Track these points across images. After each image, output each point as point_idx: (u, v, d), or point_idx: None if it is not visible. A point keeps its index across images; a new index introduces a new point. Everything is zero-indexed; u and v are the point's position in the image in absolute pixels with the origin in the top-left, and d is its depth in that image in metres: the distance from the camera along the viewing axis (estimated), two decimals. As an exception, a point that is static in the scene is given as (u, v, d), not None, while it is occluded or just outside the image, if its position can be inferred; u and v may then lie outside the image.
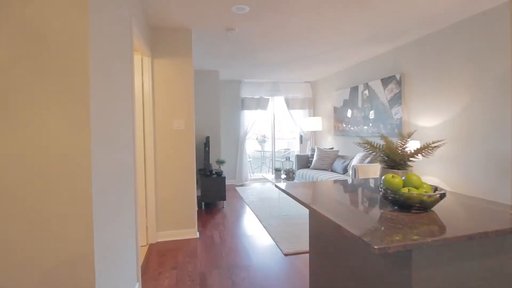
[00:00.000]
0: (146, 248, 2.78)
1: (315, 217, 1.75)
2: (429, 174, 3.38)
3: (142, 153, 2.81)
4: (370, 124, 4.44)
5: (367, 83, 4.50)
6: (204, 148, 4.27)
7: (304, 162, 5.42)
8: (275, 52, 4.03)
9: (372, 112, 4.39)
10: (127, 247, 1.76)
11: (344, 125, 5.19)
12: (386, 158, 1.34)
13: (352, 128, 4.95)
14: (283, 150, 7.69)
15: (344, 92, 5.17)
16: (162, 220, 2.98)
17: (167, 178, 2.98)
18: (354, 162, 4.05)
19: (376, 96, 4.29)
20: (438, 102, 3.27)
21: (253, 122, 6.10)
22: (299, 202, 1.37)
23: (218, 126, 5.23)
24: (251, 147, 8.36)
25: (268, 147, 7.74)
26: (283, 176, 4.15)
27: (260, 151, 7.69)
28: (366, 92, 4.52)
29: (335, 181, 1.82)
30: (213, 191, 4.19)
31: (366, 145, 1.41)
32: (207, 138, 4.22)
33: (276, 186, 1.69)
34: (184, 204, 3.04)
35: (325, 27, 3.09)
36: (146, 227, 2.87)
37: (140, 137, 2.80)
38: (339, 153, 5.29)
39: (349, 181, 1.83)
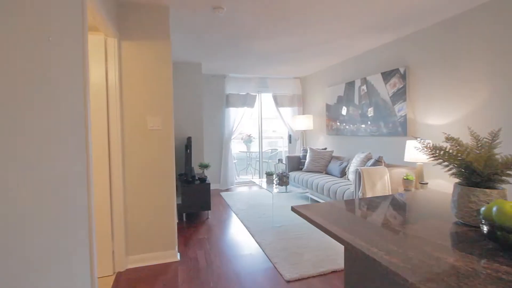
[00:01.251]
0: (111, 279, 2.20)
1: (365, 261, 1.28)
2: (436, 177, 3.04)
3: (106, 159, 2.23)
4: (369, 122, 4.07)
5: (365, 78, 4.13)
6: (185, 150, 3.71)
7: (296, 164, 4.99)
8: (267, 41, 3.55)
9: (371, 109, 4.03)
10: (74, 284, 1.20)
11: (338, 124, 4.81)
12: (466, 171, 0.89)
13: (347, 127, 4.57)
14: (270, 151, 7.24)
15: (338, 88, 4.79)
16: (133, 241, 2.41)
17: (140, 189, 2.42)
18: (354, 164, 3.66)
19: (375, 92, 3.92)
20: (449, 98, 2.93)
21: (239, 120, 5.59)
22: (340, 242, 0.89)
23: (201, 126, 4.67)
24: (236, 147, 7.85)
25: (254, 147, 7.26)
26: (276, 181, 3.68)
27: (246, 152, 7.19)
28: (364, 87, 4.15)
29: (371, 200, 1.37)
30: (196, 200, 3.64)
31: (434, 151, 0.95)
32: (189, 139, 3.67)
33: (296, 211, 1.20)
34: (161, 219, 2.48)
35: (324, 10, 2.65)
36: (113, 251, 2.29)
37: (103, 139, 2.21)
38: (334, 154, 4.91)
39: (394, 199, 1.38)
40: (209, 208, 3.69)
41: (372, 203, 1.32)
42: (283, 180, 3.64)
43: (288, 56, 4.37)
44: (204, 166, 3.73)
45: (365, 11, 2.72)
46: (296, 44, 3.74)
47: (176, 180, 4.20)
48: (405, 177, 2.89)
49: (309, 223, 3.28)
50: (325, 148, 4.85)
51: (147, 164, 2.43)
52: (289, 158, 4.98)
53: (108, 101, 2.25)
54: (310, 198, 4.00)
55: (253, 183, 6.11)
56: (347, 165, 4.02)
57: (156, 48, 2.43)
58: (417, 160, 2.83)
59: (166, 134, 2.49)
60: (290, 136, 6.28)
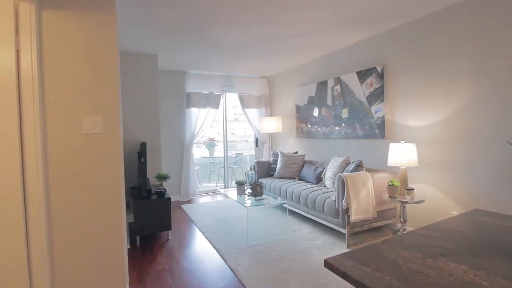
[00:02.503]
0: None
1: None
2: (420, 181, 2.89)
3: (17, 182, 1.55)
4: (343, 125, 3.85)
5: (338, 77, 3.91)
6: (138, 159, 3.07)
7: (266, 169, 4.60)
8: (232, 30, 3.10)
9: (345, 110, 3.81)
10: None
11: (310, 126, 4.54)
12: None
13: (319, 129, 4.32)
14: (235, 155, 6.76)
15: (309, 88, 4.53)
16: (63, 282, 1.75)
17: (71, 216, 1.77)
18: (332, 169, 3.37)
19: (350, 92, 3.72)
20: (430, 98, 2.79)
21: (202, 122, 5.02)
22: None
23: (158, 129, 4.02)
24: (197, 153, 7.22)
25: (218, 152, 6.72)
26: (248, 191, 3.23)
27: (209, 157, 6.61)
28: (338, 87, 3.93)
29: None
30: (152, 219, 3.01)
31: None
32: (143, 145, 3.03)
33: (338, 271, 0.76)
34: (103, 249, 1.86)
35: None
36: (30, 308, 1.61)
37: (9, 152, 1.53)
38: (306, 158, 4.63)
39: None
40: (169, 228, 3.08)
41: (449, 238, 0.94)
42: (256, 190, 3.20)
43: (256, 51, 3.96)
44: (163, 178, 3.12)
45: (342, 1, 2.43)
46: (267, 36, 3.35)
47: (127, 195, 3.49)
48: (390, 183, 2.66)
49: (288, 238, 2.89)
50: (296, 152, 4.55)
51: (83, 181, 1.80)
52: (258, 164, 4.57)
53: (20, 96, 1.58)
54: (288, 209, 3.63)
55: (218, 192, 5.56)
56: (323, 170, 3.74)
57: (95, 22, 1.81)
58: (402, 164, 2.61)
59: (110, 139, 1.88)
60: (256, 139, 5.89)
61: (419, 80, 2.89)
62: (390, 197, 2.65)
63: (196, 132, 4.97)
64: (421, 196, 2.64)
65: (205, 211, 4.15)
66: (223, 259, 2.55)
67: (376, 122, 3.35)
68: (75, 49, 1.77)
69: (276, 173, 4.33)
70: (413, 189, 2.59)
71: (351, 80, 3.68)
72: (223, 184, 5.75)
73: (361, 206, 2.73)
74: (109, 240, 1.87)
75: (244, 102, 5.46)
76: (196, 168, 6.14)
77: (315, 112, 4.41)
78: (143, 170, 2.99)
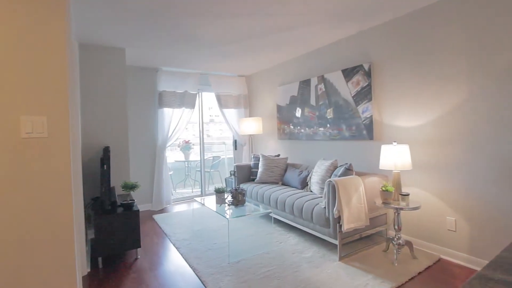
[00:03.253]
0: None
1: None
2: (411, 185, 2.74)
3: None
4: (328, 125, 3.66)
5: (322, 76, 3.71)
6: (100, 165, 2.62)
7: (246, 174, 4.29)
8: (210, 23, 2.77)
9: (330, 110, 3.62)
10: None
11: (292, 127, 4.32)
12: None
13: (302, 131, 4.10)
14: (212, 158, 6.38)
15: (290, 87, 4.30)
16: None
17: (5, 237, 1.35)
18: (318, 173, 3.15)
19: (335, 91, 3.53)
20: (422, 97, 2.65)
21: (176, 123, 4.61)
22: None
23: (125, 131, 3.57)
24: (171, 156, 6.75)
25: (193, 155, 6.30)
26: (229, 200, 2.92)
27: (184, 161, 6.17)
28: (322, 86, 3.73)
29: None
30: (118, 236, 2.59)
31: None
32: (106, 150, 2.60)
33: None
34: (47, 279, 1.45)
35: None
36: None
37: None
38: (289, 161, 4.39)
39: None
40: (138, 245, 2.68)
41: None
42: (238, 199, 2.89)
43: (235, 48, 3.66)
44: (130, 187, 2.71)
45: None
46: (247, 30, 3.06)
47: (88, 208, 3.02)
48: (383, 188, 2.47)
49: (275, 252, 2.59)
50: (278, 155, 4.30)
51: (21, 198, 1.38)
52: (238, 168, 4.26)
53: None
54: (274, 218, 3.35)
55: (194, 200, 5.17)
56: (308, 174, 3.51)
57: (39, 5, 1.41)
58: (396, 167, 2.44)
59: (57, 145, 1.48)
60: (235, 142, 5.57)
61: (409, 77, 2.75)
62: (384, 203, 2.46)
63: (169, 134, 4.55)
64: (415, 201, 2.48)
65: (180, 222, 3.76)
66: (202, 282, 2.21)
67: (364, 122, 3.18)
68: (12, 36, 1.36)
69: (257, 178, 4.04)
70: (408, 194, 2.42)
71: (336, 78, 3.49)
72: (200, 190, 5.36)
73: (353, 214, 2.52)
74: (56, 267, 1.46)
75: (222, 102, 5.12)
76: (170, 173, 5.70)
77: (298, 113, 4.19)
78: (106, 179, 2.57)
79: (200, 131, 5.24)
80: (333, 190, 2.52)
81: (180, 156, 6.27)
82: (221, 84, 5.11)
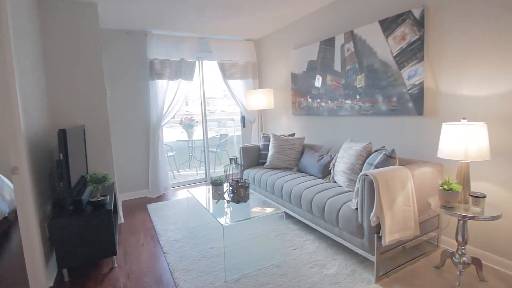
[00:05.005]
0: None
1: None
2: (480, 178, 1.96)
3: None
4: (357, 97, 2.84)
5: (351, 32, 2.83)
6: (58, 151, 2.00)
7: (254, 157, 3.61)
8: None
9: (361, 77, 2.78)
10: None
11: (310, 100, 3.51)
12: None
13: (324, 104, 3.30)
14: (219, 136, 5.73)
15: (308, 50, 3.44)
16: None
17: None
18: (346, 160, 2.41)
19: (369, 51, 2.67)
20: (506, 55, 1.78)
21: (172, 98, 3.91)
22: None
23: (104, 107, 2.90)
24: (173, 135, 6.16)
25: (198, 133, 5.67)
26: (227, 195, 2.26)
27: (187, 141, 5.55)
28: (350, 45, 2.86)
29: None
30: (85, 242, 2.03)
31: None
32: (61, 134, 1.95)
33: None
34: None
35: None
36: None
37: None
38: (306, 142, 3.64)
39: None
40: (112, 253, 2.11)
41: None
42: (239, 194, 2.22)
43: (240, 2, 2.81)
44: (97, 181, 2.09)
45: None
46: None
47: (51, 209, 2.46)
48: (445, 186, 1.71)
49: (287, 264, 2.04)
50: (293, 134, 3.56)
51: None
52: (244, 150, 3.57)
53: None
54: (286, 213, 2.67)
55: (198, 183, 4.59)
56: (331, 160, 2.77)
57: None
58: (466, 156, 1.66)
59: None
60: (243, 118, 4.84)
61: (486, 26, 1.86)
62: (445, 207, 1.72)
63: (164, 111, 3.88)
64: (492, 206, 1.72)
65: (175, 214, 3.18)
66: (185, 318, 1.61)
67: (410, 91, 2.35)
68: None
69: (267, 162, 3.34)
70: (484, 197, 1.66)
71: (371, 33, 2.61)
72: (205, 172, 4.76)
73: (399, 221, 1.80)
74: None
75: (226, 71, 4.33)
76: (172, 154, 5.13)
77: (318, 82, 3.36)
78: (64, 172, 1.95)
79: (202, 105, 4.52)
80: (370, 188, 1.79)
81: (183, 135, 5.64)
82: (224, 50, 4.29)
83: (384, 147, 2.28)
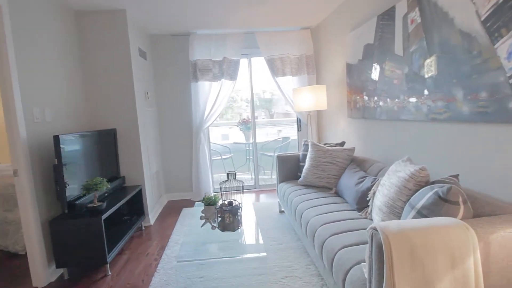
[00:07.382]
0: None
1: None
2: None
3: None
4: (426, 92, 1.86)
5: (417, -7, 1.87)
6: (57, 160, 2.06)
7: (293, 169, 3.00)
8: None
9: (430, 61, 1.80)
10: None
11: (366, 98, 2.63)
12: None
13: (381, 103, 2.39)
14: (281, 139, 5.26)
15: (364, 30, 2.56)
16: None
17: None
18: (387, 188, 1.58)
19: (443, 18, 1.68)
20: None
21: (214, 100, 3.73)
22: None
23: (133, 111, 2.95)
24: (233, 137, 6.08)
25: (258, 136, 5.36)
26: (215, 219, 1.84)
27: (245, 144, 5.32)
28: (416, 14, 1.90)
29: None
30: (79, 248, 2.02)
31: None
32: (55, 140, 1.98)
33: None
34: None
35: None
36: None
37: None
38: (357, 154, 2.78)
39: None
40: (103, 262, 2.04)
41: None
42: (224, 221, 1.76)
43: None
44: (89, 187, 2.05)
45: None
46: None
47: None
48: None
49: None
50: (343, 143, 2.76)
51: None
52: (281, 160, 3.02)
53: None
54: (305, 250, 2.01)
55: (246, 190, 4.29)
56: (372, 184, 1.92)
57: None
58: None
59: None
60: (299, 120, 4.22)
61: None
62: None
63: (206, 113, 3.73)
64: None
65: (198, 224, 2.96)
66: None
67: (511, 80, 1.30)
68: None
69: (301, 178, 2.70)
70: None
71: (446, -11, 1.63)
72: (267, 176, 4.41)
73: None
74: None
75: (275, 68, 3.82)
76: (228, 156, 5.02)
77: (375, 72, 2.46)
78: (61, 176, 1.98)
79: (251, 107, 4.17)
80: (379, 254, 1.01)
81: (241, 137, 5.45)
82: (273, 43, 3.78)
83: (457, 176, 1.36)
